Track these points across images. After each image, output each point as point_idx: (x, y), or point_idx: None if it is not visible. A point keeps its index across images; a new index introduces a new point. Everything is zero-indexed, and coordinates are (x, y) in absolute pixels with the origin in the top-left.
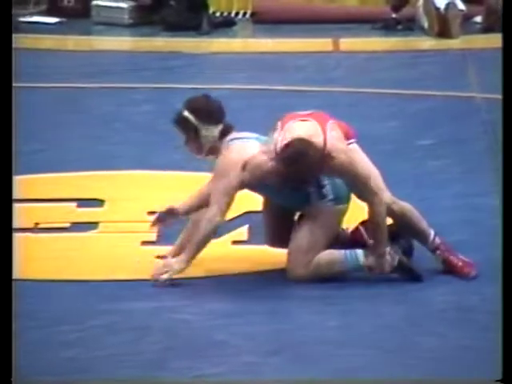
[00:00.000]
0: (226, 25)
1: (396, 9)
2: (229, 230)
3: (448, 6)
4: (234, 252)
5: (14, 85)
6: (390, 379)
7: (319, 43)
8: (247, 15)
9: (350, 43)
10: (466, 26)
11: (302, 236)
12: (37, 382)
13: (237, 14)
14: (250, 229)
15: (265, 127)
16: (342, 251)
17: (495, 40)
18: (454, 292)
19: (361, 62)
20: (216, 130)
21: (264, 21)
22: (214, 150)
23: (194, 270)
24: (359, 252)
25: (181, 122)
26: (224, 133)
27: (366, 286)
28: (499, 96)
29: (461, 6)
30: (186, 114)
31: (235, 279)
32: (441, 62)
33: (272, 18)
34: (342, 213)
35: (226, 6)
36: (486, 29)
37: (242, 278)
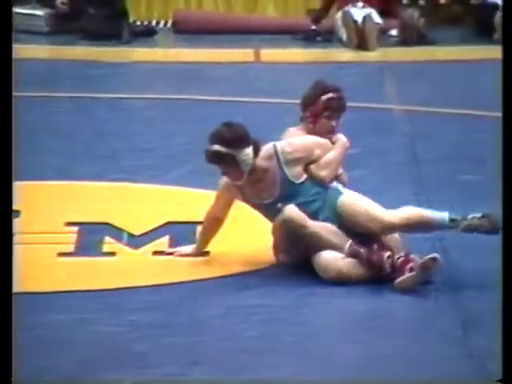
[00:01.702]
0: (146, 34)
1: (316, 20)
2: (149, 241)
3: (365, 19)
4: (155, 263)
5: None
6: (387, 379)
7: (241, 53)
8: (168, 24)
9: (271, 54)
10: (382, 38)
11: None
12: (37, 381)
13: (157, 23)
14: (170, 239)
15: (187, 136)
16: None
17: (411, 53)
18: (376, 300)
19: (282, 72)
20: (250, 151)
21: (185, 30)
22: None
23: (116, 282)
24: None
25: (215, 157)
26: (256, 151)
27: (287, 296)
28: (417, 108)
29: (377, 19)
30: (218, 147)
31: (155, 290)
32: (359, 74)
33: (193, 27)
34: None
35: (146, 14)
36: (402, 42)
37: (162, 289)
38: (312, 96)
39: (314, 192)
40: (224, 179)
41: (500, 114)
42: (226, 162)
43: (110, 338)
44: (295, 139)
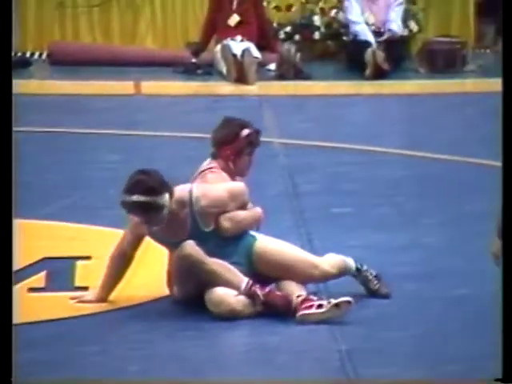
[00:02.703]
0: (20, 65)
1: (195, 53)
2: (26, 277)
3: (244, 52)
4: (31, 299)
5: None
6: (389, 380)
7: (120, 86)
8: (43, 56)
9: (151, 86)
10: (261, 72)
11: None
12: (37, 381)
13: (32, 54)
14: (47, 275)
15: (64, 170)
16: None
17: (289, 87)
18: (256, 333)
19: (163, 105)
20: (167, 196)
21: (61, 62)
22: None
23: None
24: None
25: (138, 207)
26: (170, 194)
27: (169, 330)
28: (296, 141)
29: (256, 53)
30: (139, 197)
31: (33, 327)
32: (239, 107)
33: (69, 59)
34: None
35: (20, 45)
36: (280, 76)
37: (38, 326)
38: (231, 134)
39: (220, 239)
40: (133, 217)
41: (367, 148)
42: (147, 211)
43: None
44: (211, 190)
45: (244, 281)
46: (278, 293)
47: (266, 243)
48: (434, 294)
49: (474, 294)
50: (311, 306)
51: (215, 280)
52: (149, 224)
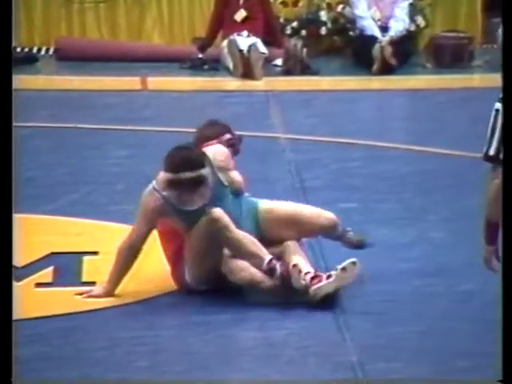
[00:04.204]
0: (27, 61)
1: (202, 49)
2: (32, 272)
3: (250, 48)
4: (38, 294)
5: None
6: (390, 379)
7: (127, 81)
8: (50, 51)
9: (158, 82)
10: (267, 68)
11: None
12: (37, 382)
13: (39, 49)
14: (54, 270)
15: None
16: None
17: (295, 82)
18: (261, 328)
19: (169, 101)
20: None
21: (68, 57)
22: None
23: None
24: None
25: (187, 184)
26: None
27: (175, 326)
28: (302, 137)
29: (262, 48)
30: (189, 174)
31: (40, 322)
32: (245, 103)
33: (76, 54)
34: None
35: (27, 41)
36: (286, 72)
37: (45, 321)
38: (213, 133)
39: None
40: (145, 207)
41: (374, 143)
42: (197, 186)
43: None
44: (218, 149)
45: (268, 256)
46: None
47: (269, 202)
48: (439, 290)
49: (480, 289)
50: (321, 280)
51: (239, 250)
52: (195, 201)
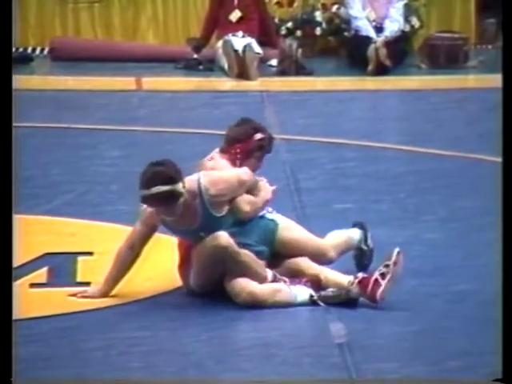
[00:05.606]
0: (22, 61)
1: (196, 49)
2: (27, 273)
3: (245, 48)
4: (32, 295)
5: None
6: (386, 379)
7: (122, 81)
8: (45, 51)
9: (152, 82)
10: (262, 68)
11: None
12: (37, 382)
13: (33, 50)
14: (49, 271)
15: (66, 166)
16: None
17: (290, 83)
18: (256, 328)
19: (164, 101)
20: (181, 182)
21: (62, 57)
22: None
23: None
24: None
25: (158, 198)
26: (183, 183)
27: (169, 325)
28: (298, 137)
29: (257, 49)
30: (160, 188)
31: (34, 323)
32: (240, 103)
33: (71, 54)
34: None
35: (21, 41)
36: (281, 72)
37: (40, 322)
38: (244, 133)
39: (233, 222)
40: (146, 209)
41: (369, 143)
42: (168, 200)
43: None
44: (219, 178)
45: (269, 273)
46: (305, 279)
47: (288, 231)
48: (435, 290)
49: (476, 289)
50: (376, 283)
51: (246, 270)
52: (168, 214)
